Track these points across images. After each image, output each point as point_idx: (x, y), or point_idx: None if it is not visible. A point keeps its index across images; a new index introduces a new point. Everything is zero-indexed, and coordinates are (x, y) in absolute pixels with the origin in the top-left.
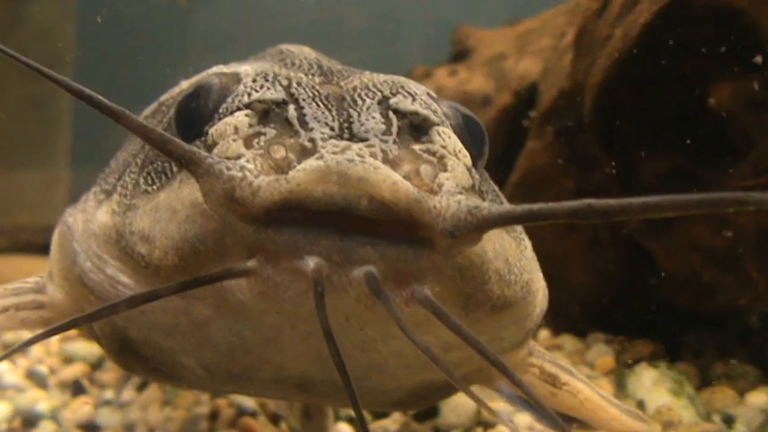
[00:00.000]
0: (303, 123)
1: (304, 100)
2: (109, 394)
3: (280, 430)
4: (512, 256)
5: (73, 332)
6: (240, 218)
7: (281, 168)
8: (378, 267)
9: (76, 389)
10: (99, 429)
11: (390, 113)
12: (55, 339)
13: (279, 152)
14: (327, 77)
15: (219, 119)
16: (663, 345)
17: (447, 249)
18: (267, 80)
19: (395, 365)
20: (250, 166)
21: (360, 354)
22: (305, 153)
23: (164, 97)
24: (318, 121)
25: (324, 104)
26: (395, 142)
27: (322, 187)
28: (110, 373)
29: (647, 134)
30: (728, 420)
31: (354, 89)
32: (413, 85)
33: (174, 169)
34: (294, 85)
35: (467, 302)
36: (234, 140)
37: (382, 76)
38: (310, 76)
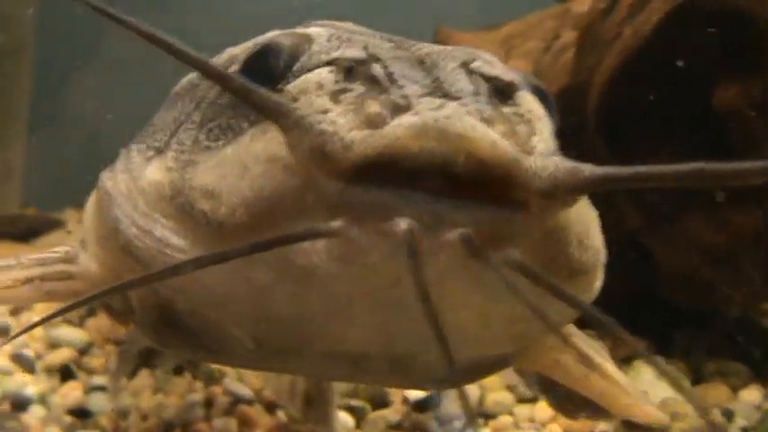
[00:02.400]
0: (392, 81)
1: (387, 59)
2: (98, 380)
3: (276, 418)
4: (587, 220)
5: (65, 317)
6: (328, 174)
7: (374, 124)
8: (471, 230)
9: (65, 374)
10: (90, 415)
11: (475, 76)
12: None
13: (372, 107)
14: (396, 43)
15: (296, 76)
16: (653, 342)
17: (541, 211)
18: (342, 40)
19: (458, 337)
20: (341, 120)
21: (423, 325)
22: (398, 109)
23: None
24: (408, 79)
25: (408, 64)
26: (486, 103)
27: (420, 143)
28: (98, 358)
29: (653, 133)
30: (728, 415)
31: (429, 54)
32: (486, 53)
33: (243, 125)
34: (371, 45)
35: (548, 266)
36: (318, 96)
37: (450, 46)
38: (380, 41)
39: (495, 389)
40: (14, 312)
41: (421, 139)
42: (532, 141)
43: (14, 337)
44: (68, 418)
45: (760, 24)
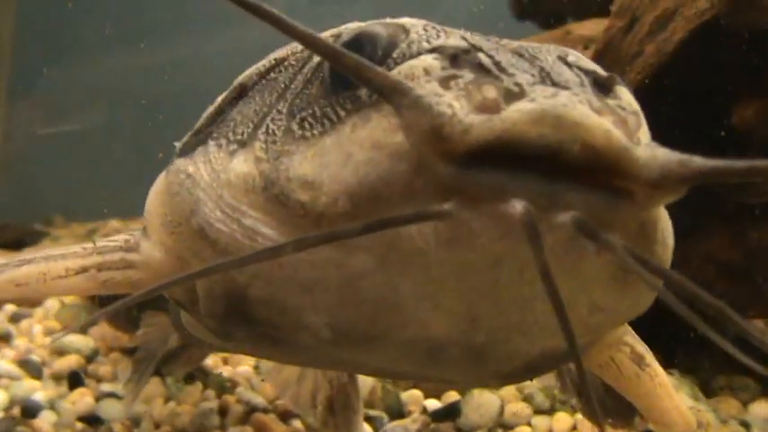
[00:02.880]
0: (501, 69)
1: (489, 49)
2: (107, 387)
3: (291, 427)
4: (667, 219)
5: (66, 324)
6: (444, 156)
7: (488, 109)
8: (580, 214)
9: (74, 380)
10: (101, 422)
11: (575, 69)
12: (40, 332)
13: (489, 92)
14: (484, 37)
15: (397, 63)
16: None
17: (646, 200)
18: (438, 30)
19: (539, 327)
20: (457, 104)
21: (514, 311)
22: (512, 96)
23: (279, 55)
24: (517, 68)
25: (510, 54)
26: (593, 94)
27: (537, 129)
28: (104, 366)
29: (674, 150)
30: (745, 426)
31: (524, 47)
32: (573, 50)
33: (341, 114)
34: (469, 35)
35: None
36: (428, 81)
37: (533, 42)
38: (469, 34)
39: (512, 400)
40: (14, 320)
41: (539, 125)
42: (639, 133)
43: (95, 319)
44: (80, 425)
45: None
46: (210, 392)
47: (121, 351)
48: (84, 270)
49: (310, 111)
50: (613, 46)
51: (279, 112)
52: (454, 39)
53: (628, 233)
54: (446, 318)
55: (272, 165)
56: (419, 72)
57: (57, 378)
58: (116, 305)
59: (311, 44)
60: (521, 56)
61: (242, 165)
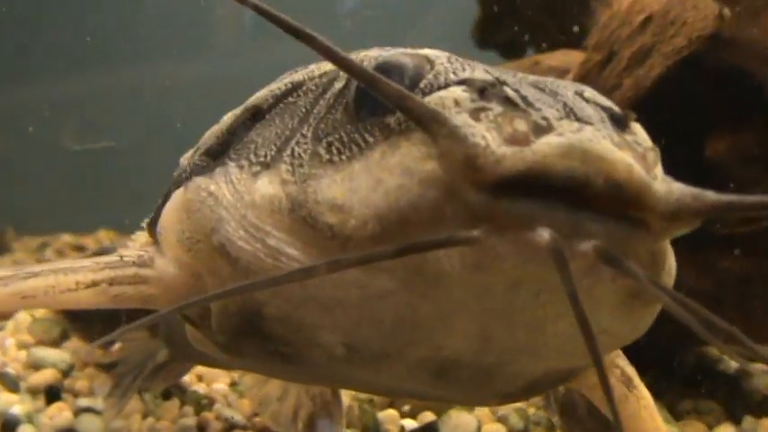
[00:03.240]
0: (528, 103)
1: (513, 83)
2: (85, 402)
3: None
4: (671, 251)
5: (38, 338)
6: (475, 185)
7: (518, 142)
8: (602, 243)
9: (52, 395)
10: None
11: (593, 105)
12: (13, 345)
13: (520, 126)
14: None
15: (425, 93)
16: None
17: (661, 232)
18: (462, 62)
19: (546, 348)
20: (489, 135)
21: (523, 333)
22: (540, 130)
23: (295, 79)
24: (543, 103)
25: (534, 89)
26: (613, 130)
27: (565, 162)
28: (82, 380)
29: None
30: None
31: (543, 82)
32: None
33: (369, 140)
34: (491, 69)
35: (643, 290)
36: (458, 112)
37: (548, 78)
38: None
39: (487, 421)
40: None
41: (566, 159)
42: (656, 168)
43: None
44: None
45: (755, 82)
46: (188, 409)
47: (96, 366)
48: (94, 284)
49: (336, 136)
50: (590, 79)
51: (303, 136)
52: (480, 72)
53: (640, 261)
54: (459, 338)
55: (300, 187)
56: (449, 103)
57: (33, 392)
58: (145, 320)
59: (351, 70)
60: (542, 90)
61: (267, 186)
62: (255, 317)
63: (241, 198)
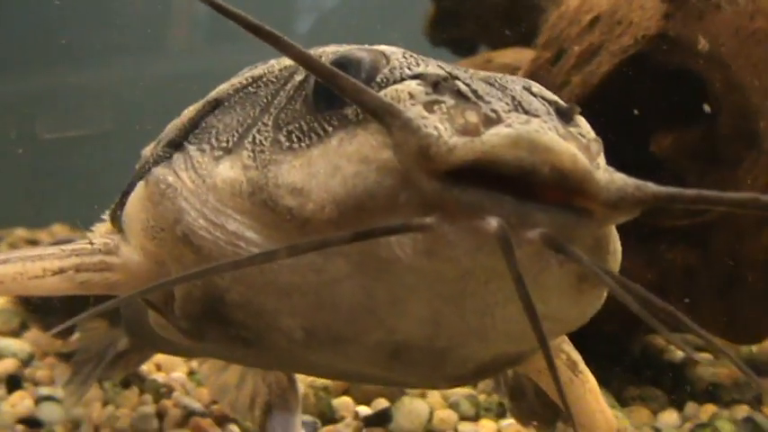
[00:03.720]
0: (478, 96)
1: (464, 78)
2: (45, 390)
3: (228, 431)
4: (616, 234)
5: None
6: (429, 173)
7: (469, 132)
8: (547, 230)
9: (13, 384)
10: (42, 425)
11: (539, 99)
12: None
13: (471, 117)
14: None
15: (381, 87)
16: None
17: (603, 219)
18: (416, 57)
19: (495, 333)
20: (441, 126)
21: (475, 318)
22: (490, 122)
23: (255, 73)
24: (492, 96)
25: (484, 84)
26: (558, 122)
27: (513, 152)
28: (42, 370)
29: None
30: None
31: (492, 77)
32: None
33: (327, 129)
34: (443, 64)
35: (587, 273)
36: (413, 105)
37: (498, 73)
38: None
39: (438, 407)
40: None
41: (514, 149)
42: (599, 158)
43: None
44: (20, 427)
45: (699, 80)
46: (148, 397)
47: (56, 356)
48: (61, 271)
49: (296, 125)
50: (540, 75)
51: (264, 124)
52: (433, 67)
53: (584, 246)
54: (412, 322)
55: (261, 172)
56: (404, 96)
57: None
58: (106, 305)
59: (310, 65)
60: (492, 85)
61: (228, 171)
62: (218, 303)
63: (203, 182)
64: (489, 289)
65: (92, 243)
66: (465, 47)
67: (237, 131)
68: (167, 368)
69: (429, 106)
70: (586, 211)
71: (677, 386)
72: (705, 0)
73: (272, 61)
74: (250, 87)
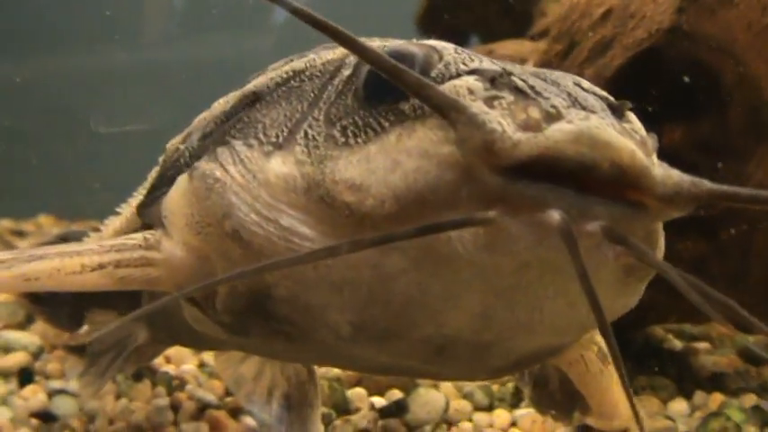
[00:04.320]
0: (537, 92)
1: (519, 73)
2: (57, 384)
3: (243, 424)
4: (662, 229)
5: (5, 322)
6: (492, 168)
7: (531, 128)
8: (607, 223)
9: (25, 377)
10: (55, 418)
11: (592, 95)
12: None
13: (533, 113)
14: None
15: (437, 82)
16: None
17: (658, 214)
18: (467, 53)
19: (543, 326)
20: (504, 122)
21: (523, 312)
22: (551, 117)
23: (296, 67)
24: (550, 92)
25: (539, 80)
26: (614, 118)
27: (575, 148)
28: (53, 363)
29: None
30: (670, 419)
31: (543, 73)
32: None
33: (384, 124)
34: (495, 60)
35: (636, 267)
36: (473, 100)
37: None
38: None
39: (453, 398)
40: None
41: (576, 144)
42: (653, 155)
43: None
44: (34, 421)
45: (710, 73)
46: (161, 390)
47: (65, 349)
48: (101, 267)
49: (350, 120)
50: (552, 68)
51: (315, 119)
52: (488, 63)
53: (637, 239)
54: (463, 317)
55: (317, 167)
56: (464, 91)
57: (5, 375)
58: (155, 305)
59: (374, 61)
60: (544, 80)
61: (281, 166)
62: (264, 298)
63: (253, 177)
64: (542, 282)
65: (129, 239)
66: (457, 37)
67: (287, 126)
68: (177, 361)
69: (489, 102)
70: (641, 204)
71: (682, 375)
72: None
73: (311, 55)
74: (292, 81)
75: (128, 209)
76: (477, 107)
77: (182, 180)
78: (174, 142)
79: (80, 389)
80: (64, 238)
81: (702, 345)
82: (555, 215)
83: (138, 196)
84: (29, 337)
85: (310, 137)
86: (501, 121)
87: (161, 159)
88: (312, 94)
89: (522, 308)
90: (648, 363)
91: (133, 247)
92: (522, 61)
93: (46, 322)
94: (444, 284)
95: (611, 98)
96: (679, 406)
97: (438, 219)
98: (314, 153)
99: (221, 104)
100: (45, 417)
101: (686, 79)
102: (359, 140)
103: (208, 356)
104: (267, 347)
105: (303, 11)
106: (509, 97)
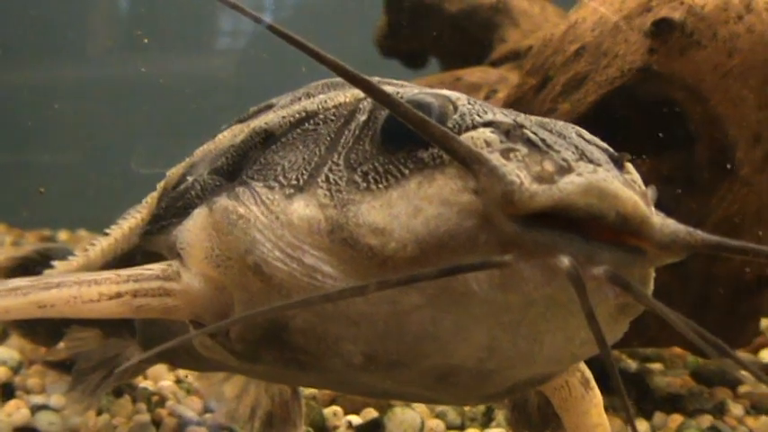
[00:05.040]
0: (548, 146)
1: (530, 126)
2: (38, 399)
3: None
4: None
5: None
6: (510, 216)
7: (545, 180)
8: (610, 267)
9: (6, 392)
10: None
11: (595, 146)
12: None
13: (547, 167)
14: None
15: (455, 133)
16: None
17: (654, 259)
18: (480, 104)
19: (540, 357)
20: (521, 174)
21: (525, 343)
22: (563, 170)
23: (308, 108)
24: (560, 145)
25: (547, 132)
26: (616, 170)
27: (585, 199)
28: (33, 378)
29: None
30: None
31: (547, 123)
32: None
33: (404, 172)
34: (505, 111)
35: (628, 305)
36: (490, 152)
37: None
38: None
39: (426, 417)
40: None
41: (586, 196)
42: (652, 205)
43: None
44: None
45: (678, 111)
46: (142, 406)
47: (44, 364)
48: (118, 296)
49: (370, 166)
50: (526, 101)
51: (335, 164)
52: (500, 115)
53: (634, 281)
54: (470, 348)
55: (340, 211)
56: (481, 143)
57: None
58: (188, 336)
59: (400, 111)
60: (551, 132)
61: (304, 209)
62: (281, 329)
63: (276, 218)
64: (545, 318)
65: (148, 269)
66: (417, 60)
67: (306, 169)
68: (154, 377)
69: (505, 154)
70: (640, 250)
71: (640, 396)
72: (687, 37)
73: (321, 96)
74: (306, 123)
75: (117, 231)
76: (497, 160)
77: (200, 214)
78: (175, 171)
79: (68, 405)
80: (44, 254)
81: (656, 365)
82: (564, 260)
83: (131, 219)
84: (8, 352)
85: (332, 181)
86: (518, 173)
87: (160, 186)
88: (329, 138)
89: (524, 340)
90: (607, 384)
91: (150, 277)
92: (492, 91)
93: (22, 337)
94: (456, 319)
95: (611, 149)
96: (640, 426)
97: (454, 261)
98: (336, 197)
99: (227, 138)
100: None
101: (655, 116)
102: (380, 186)
103: (184, 372)
104: (275, 373)
105: (339, 63)
106: (523, 150)
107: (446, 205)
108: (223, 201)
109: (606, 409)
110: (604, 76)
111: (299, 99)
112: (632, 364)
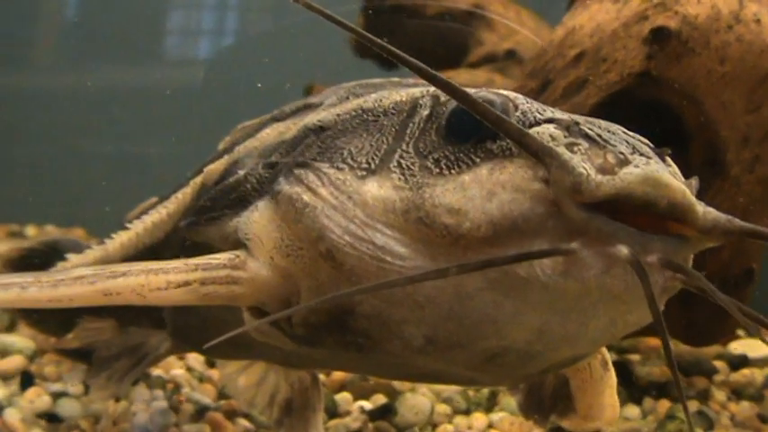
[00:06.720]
0: (605, 141)
1: (585, 123)
2: (57, 386)
3: (240, 426)
4: None
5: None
6: (578, 205)
7: (607, 172)
8: (663, 256)
9: (26, 380)
10: (61, 419)
11: (640, 142)
12: None
13: (610, 159)
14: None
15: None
16: None
17: (698, 244)
18: (536, 103)
19: (584, 339)
20: (587, 166)
21: (573, 327)
22: (621, 162)
23: (366, 105)
24: (614, 141)
25: (599, 128)
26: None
27: (642, 188)
28: (49, 366)
29: None
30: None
31: (593, 121)
32: None
33: (475, 160)
34: (556, 109)
35: (668, 288)
36: (557, 146)
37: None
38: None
39: (433, 401)
40: None
41: (643, 185)
42: (694, 194)
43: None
44: (42, 422)
45: (674, 114)
46: (159, 392)
47: (56, 352)
48: (186, 284)
49: (441, 154)
50: None
51: (405, 151)
52: (558, 112)
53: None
54: (523, 331)
55: (415, 193)
56: (546, 138)
57: (4, 378)
58: (259, 323)
59: (478, 110)
60: (600, 128)
61: (377, 189)
62: (346, 314)
63: (348, 198)
64: (597, 303)
65: (214, 258)
66: (392, 62)
67: (376, 155)
68: (165, 366)
69: (570, 147)
70: (686, 237)
71: (626, 384)
72: (683, 44)
73: (374, 95)
74: (365, 115)
75: (139, 225)
76: (566, 154)
77: (264, 205)
78: (214, 168)
79: (92, 392)
80: (51, 246)
81: (634, 356)
82: (623, 249)
83: (155, 215)
84: (24, 341)
85: (405, 166)
86: (584, 165)
87: (196, 183)
88: (394, 129)
89: (573, 324)
90: None
91: (218, 266)
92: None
93: (31, 327)
94: (516, 303)
95: (651, 145)
96: (632, 411)
97: (522, 244)
98: (411, 180)
99: (274, 135)
100: (51, 418)
101: (652, 119)
102: (452, 171)
103: (194, 361)
104: (333, 358)
105: (423, 66)
106: (584, 144)
107: (519, 191)
108: (285, 188)
109: None
110: (604, 81)
111: (347, 98)
112: (612, 356)
